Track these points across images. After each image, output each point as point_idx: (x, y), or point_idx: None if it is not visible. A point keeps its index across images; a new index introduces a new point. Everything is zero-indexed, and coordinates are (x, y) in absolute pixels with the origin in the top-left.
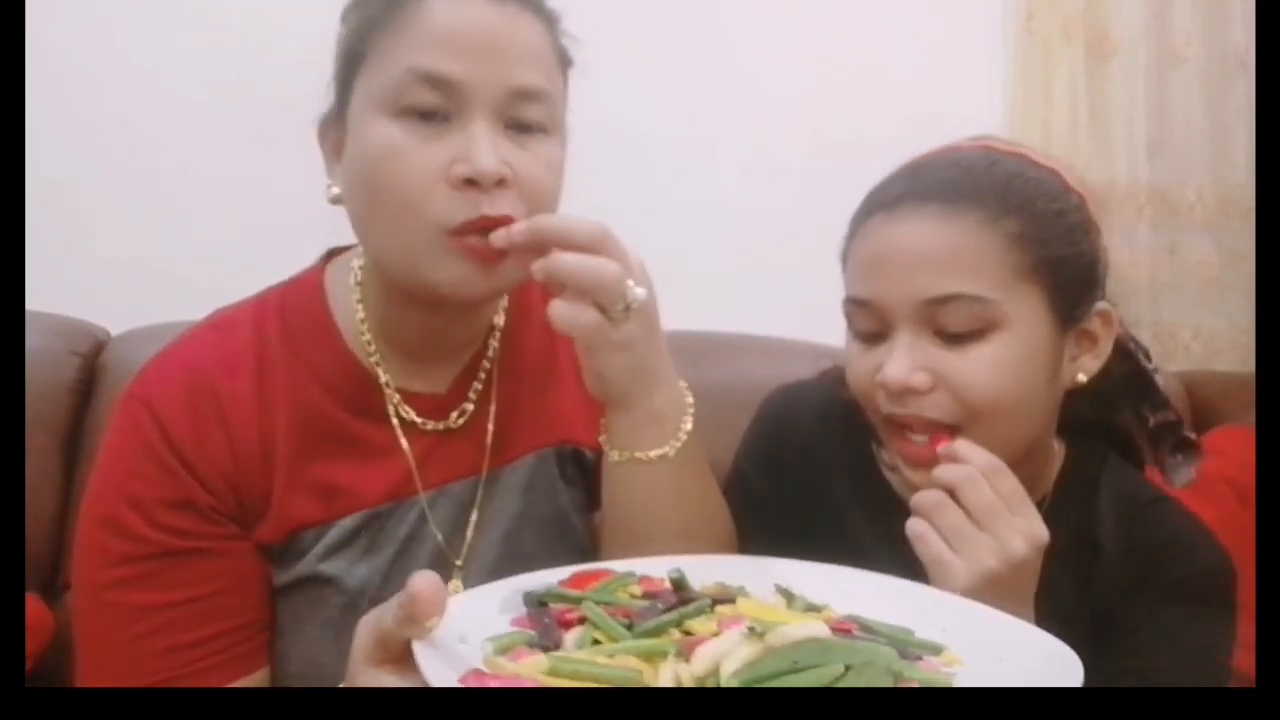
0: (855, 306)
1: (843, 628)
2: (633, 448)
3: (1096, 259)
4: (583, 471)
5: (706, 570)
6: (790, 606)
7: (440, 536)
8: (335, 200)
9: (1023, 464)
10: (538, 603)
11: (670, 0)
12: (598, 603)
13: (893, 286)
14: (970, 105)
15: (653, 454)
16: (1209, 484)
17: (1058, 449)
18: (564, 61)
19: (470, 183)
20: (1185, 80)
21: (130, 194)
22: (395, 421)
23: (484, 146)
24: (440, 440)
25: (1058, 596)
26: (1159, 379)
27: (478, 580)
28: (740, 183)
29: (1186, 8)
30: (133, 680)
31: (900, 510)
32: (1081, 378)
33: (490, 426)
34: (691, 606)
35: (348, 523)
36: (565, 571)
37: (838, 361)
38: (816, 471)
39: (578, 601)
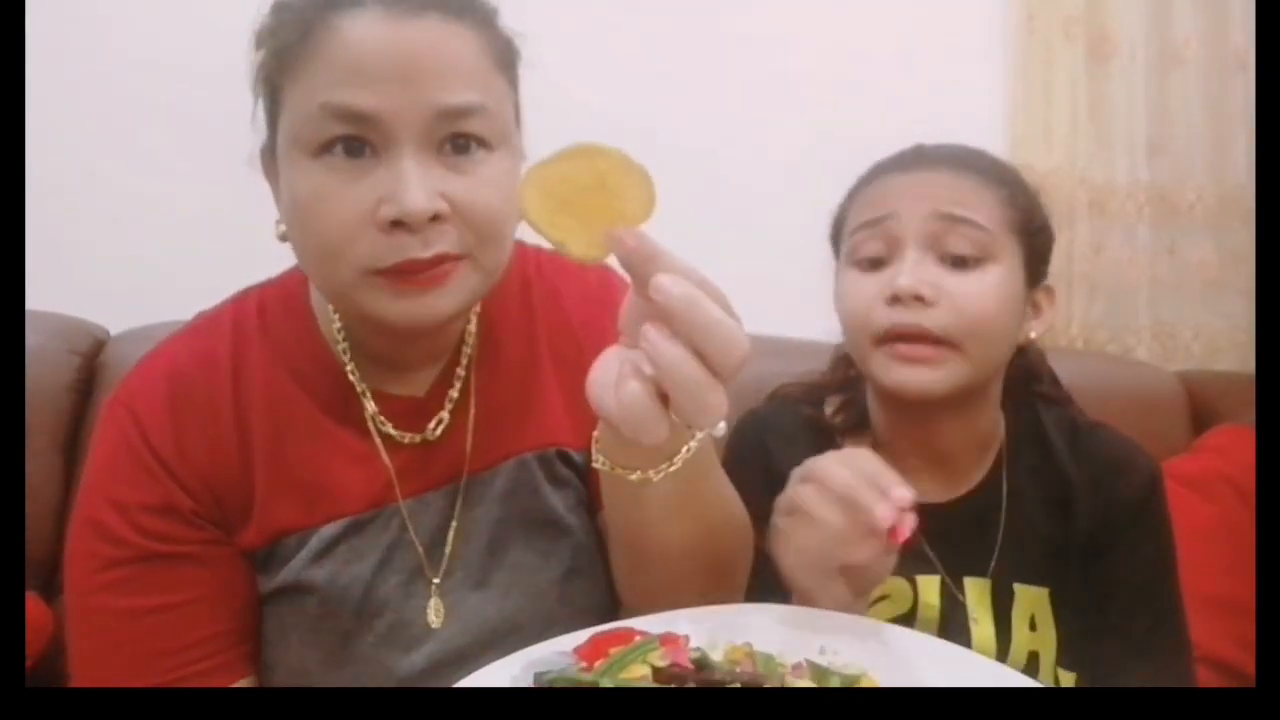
0: (867, 229)
1: None
2: (619, 462)
3: (1053, 242)
4: (576, 472)
5: (735, 628)
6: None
7: (420, 549)
8: (283, 238)
9: (983, 413)
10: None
11: (673, 3)
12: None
13: (910, 204)
14: (970, 105)
15: (633, 477)
16: (1209, 484)
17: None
18: (505, 63)
19: (399, 224)
20: (1185, 80)
21: (130, 193)
22: (372, 428)
23: (411, 184)
24: (419, 450)
25: (1042, 536)
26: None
27: (459, 593)
28: (740, 182)
29: (1186, 8)
30: (118, 685)
31: None
32: (1032, 335)
33: (469, 433)
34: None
35: (329, 531)
36: (582, 636)
37: (783, 383)
38: None
39: (591, 686)
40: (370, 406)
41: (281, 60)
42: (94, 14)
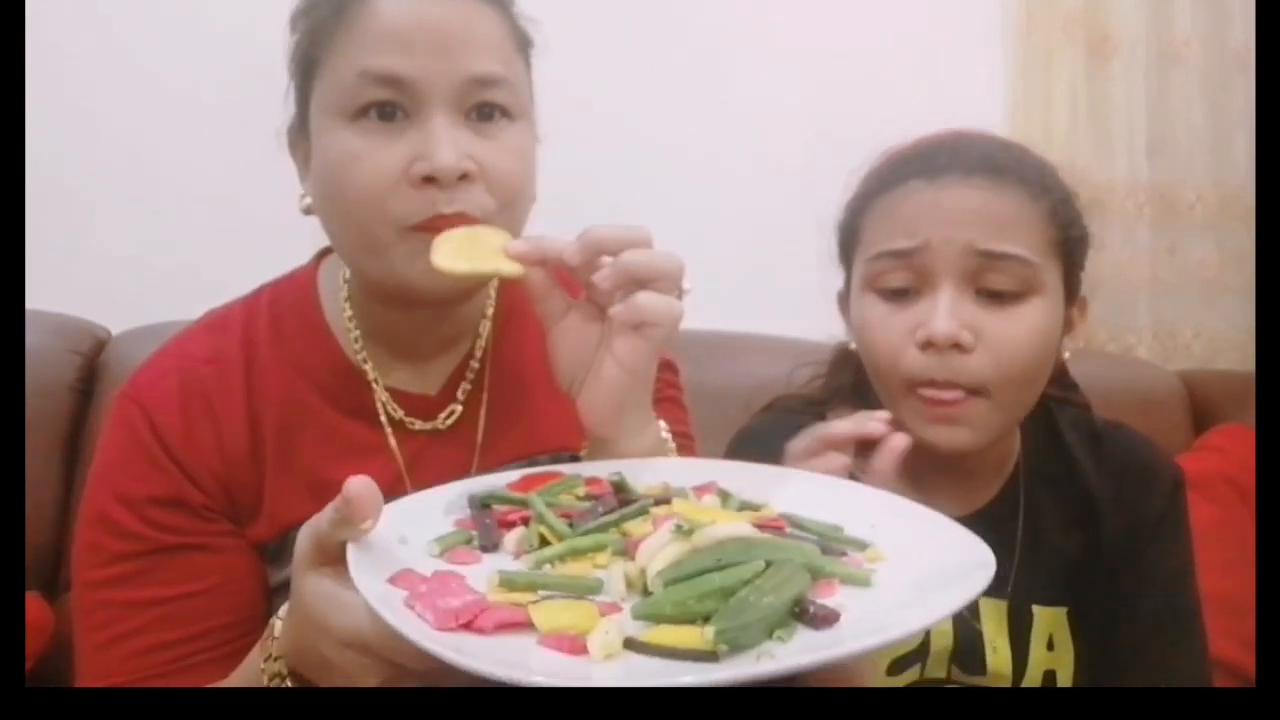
0: (894, 259)
1: (773, 525)
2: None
3: (1089, 248)
4: None
5: (652, 473)
6: (725, 506)
7: None
8: (307, 211)
9: (1006, 437)
10: (481, 505)
11: (672, 2)
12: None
13: (944, 232)
14: (970, 105)
15: None
16: (1209, 483)
17: None
18: (522, 45)
19: (430, 180)
20: (1185, 80)
21: (131, 193)
22: (384, 419)
23: (443, 141)
24: (430, 441)
25: (1062, 552)
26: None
27: None
28: (741, 182)
29: (1186, 8)
30: (124, 676)
31: None
32: (1066, 355)
33: (480, 428)
34: (631, 508)
35: None
36: (514, 475)
37: (780, 396)
38: None
39: (522, 504)
40: (381, 394)
41: (317, 36)
42: (97, 14)
